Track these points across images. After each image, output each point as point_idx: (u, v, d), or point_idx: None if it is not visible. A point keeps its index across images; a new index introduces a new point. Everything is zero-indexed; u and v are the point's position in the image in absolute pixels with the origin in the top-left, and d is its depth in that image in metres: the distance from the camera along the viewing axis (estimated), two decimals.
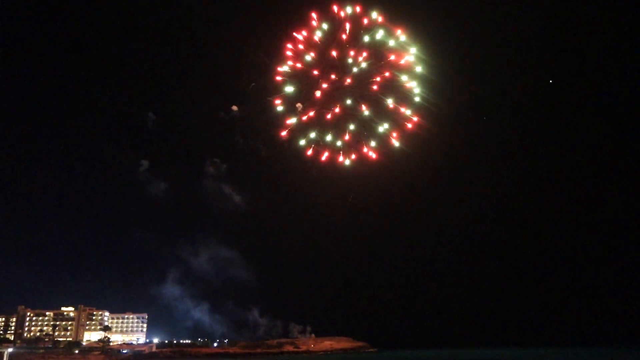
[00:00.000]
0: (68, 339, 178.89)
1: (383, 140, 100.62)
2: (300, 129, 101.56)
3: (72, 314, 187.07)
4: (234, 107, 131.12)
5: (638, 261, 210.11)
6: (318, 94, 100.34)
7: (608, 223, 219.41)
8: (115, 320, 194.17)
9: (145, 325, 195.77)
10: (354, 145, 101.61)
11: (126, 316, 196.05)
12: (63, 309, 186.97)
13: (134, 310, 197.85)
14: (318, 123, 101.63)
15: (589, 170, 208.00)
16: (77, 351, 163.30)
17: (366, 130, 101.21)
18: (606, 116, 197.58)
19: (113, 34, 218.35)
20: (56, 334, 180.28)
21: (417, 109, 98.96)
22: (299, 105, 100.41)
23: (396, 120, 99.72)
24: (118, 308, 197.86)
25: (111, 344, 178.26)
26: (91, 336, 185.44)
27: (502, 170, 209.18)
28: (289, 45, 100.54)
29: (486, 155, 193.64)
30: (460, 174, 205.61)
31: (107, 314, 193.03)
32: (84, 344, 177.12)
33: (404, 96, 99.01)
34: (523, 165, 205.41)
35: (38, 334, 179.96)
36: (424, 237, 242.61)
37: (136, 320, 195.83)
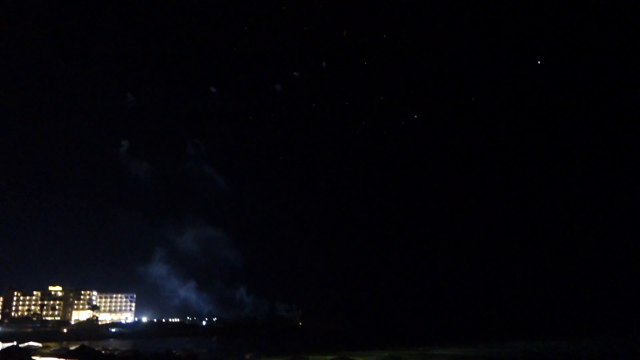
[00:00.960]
0: (56, 319, 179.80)
1: None
2: None
3: (59, 294, 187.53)
4: (212, 89, 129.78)
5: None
6: None
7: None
8: (104, 300, 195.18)
9: (133, 304, 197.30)
10: None
11: (114, 296, 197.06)
12: (51, 288, 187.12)
13: (122, 290, 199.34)
14: None
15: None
16: (65, 330, 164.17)
17: None
18: (604, 113, 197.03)
19: (92, 17, 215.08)
20: (44, 313, 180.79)
21: None
22: (277, 86, 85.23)
23: None
24: (106, 288, 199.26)
25: (99, 323, 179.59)
26: (79, 315, 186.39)
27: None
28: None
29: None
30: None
31: (95, 293, 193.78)
32: (72, 323, 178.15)
33: None
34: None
35: (26, 313, 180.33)
36: (413, 220, 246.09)
37: (124, 299, 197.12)
